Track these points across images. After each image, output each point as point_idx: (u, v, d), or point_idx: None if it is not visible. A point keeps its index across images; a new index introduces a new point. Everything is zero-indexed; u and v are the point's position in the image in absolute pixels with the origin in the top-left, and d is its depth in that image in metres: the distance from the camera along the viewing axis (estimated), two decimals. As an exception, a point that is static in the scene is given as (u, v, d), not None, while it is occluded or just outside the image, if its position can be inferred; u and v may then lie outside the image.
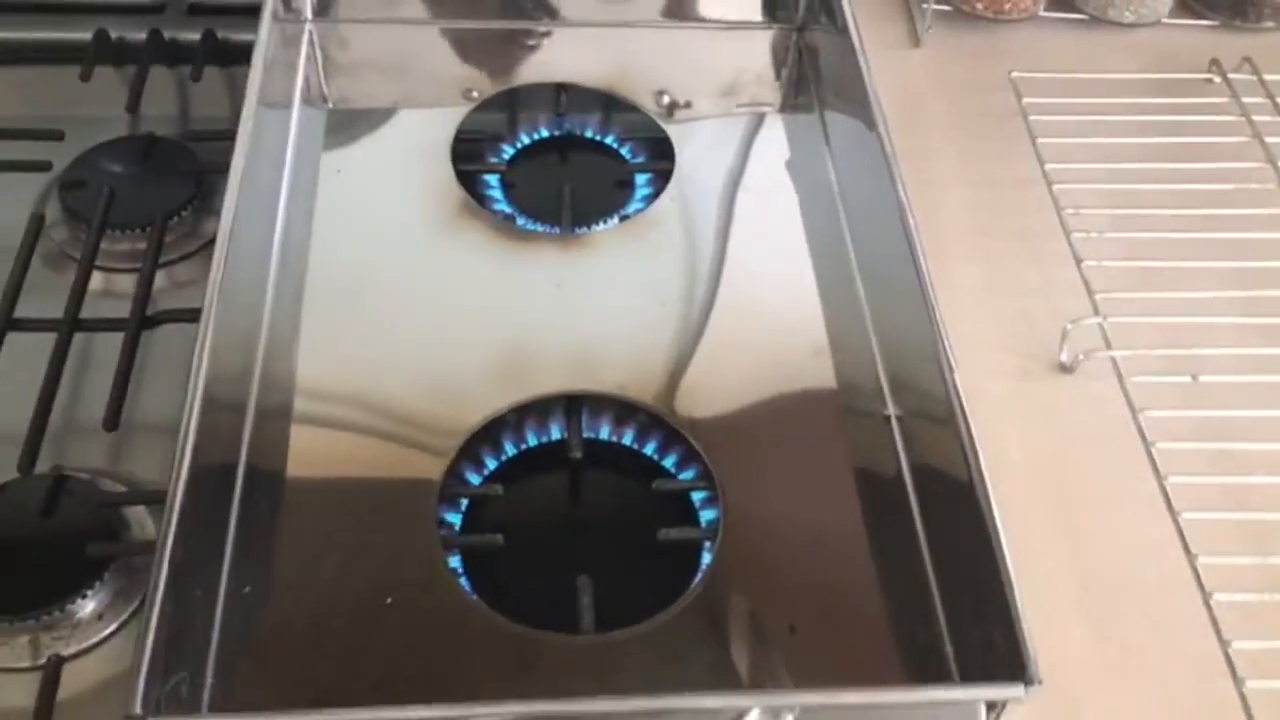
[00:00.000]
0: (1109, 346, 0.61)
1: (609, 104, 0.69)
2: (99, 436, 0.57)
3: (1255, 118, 0.72)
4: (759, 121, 0.70)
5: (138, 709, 0.39)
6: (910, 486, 0.53)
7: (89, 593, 0.51)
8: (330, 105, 0.70)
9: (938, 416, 0.51)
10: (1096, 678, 0.52)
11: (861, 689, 0.42)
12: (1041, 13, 0.80)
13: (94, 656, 0.50)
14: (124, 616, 0.51)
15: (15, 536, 0.52)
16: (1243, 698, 0.50)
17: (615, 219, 0.64)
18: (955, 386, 0.50)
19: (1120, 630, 0.53)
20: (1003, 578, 0.44)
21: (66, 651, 0.50)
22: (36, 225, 0.61)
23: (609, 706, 0.41)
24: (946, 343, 0.51)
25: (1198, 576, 0.53)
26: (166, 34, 0.72)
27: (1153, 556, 0.55)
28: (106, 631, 0.51)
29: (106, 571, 0.51)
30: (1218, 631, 0.52)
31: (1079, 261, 0.65)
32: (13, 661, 0.50)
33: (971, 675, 0.46)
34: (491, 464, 0.54)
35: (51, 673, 0.48)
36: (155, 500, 0.53)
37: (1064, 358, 0.62)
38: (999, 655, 0.44)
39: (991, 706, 0.44)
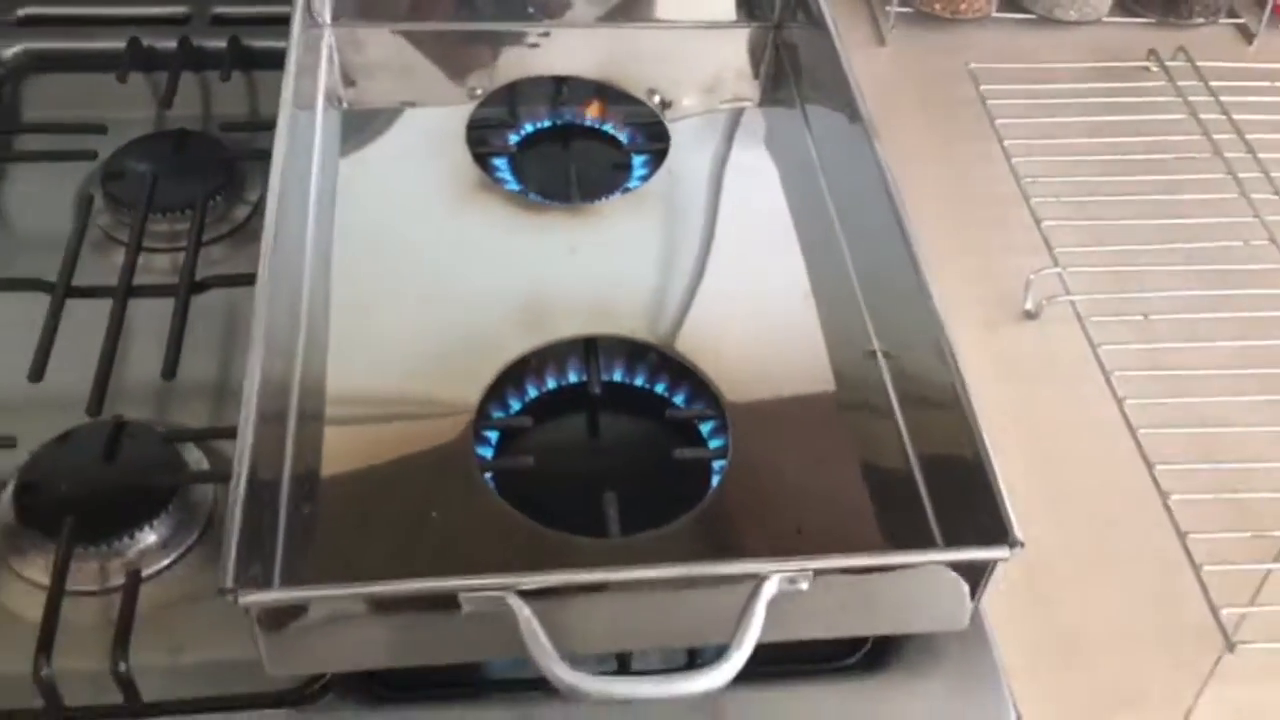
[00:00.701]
0: (1068, 293, 0.68)
1: (605, 94, 0.75)
2: (146, 393, 0.61)
3: (1190, 98, 0.80)
4: (743, 109, 0.77)
5: (230, 583, 0.44)
6: (895, 402, 0.58)
7: (155, 522, 0.56)
8: (348, 103, 0.76)
9: (919, 342, 0.57)
10: (1071, 574, 0.58)
11: (869, 554, 0.47)
12: (994, 13, 0.88)
13: (157, 582, 0.55)
14: (185, 546, 0.56)
15: (85, 474, 0.57)
16: (1200, 580, 0.56)
17: (618, 193, 0.70)
18: (935, 312, 0.56)
19: (1091, 532, 0.60)
20: (983, 461, 0.49)
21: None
22: (87, 203, 0.67)
23: (640, 575, 0.46)
24: (926, 276, 0.57)
25: (1156, 482, 0.59)
26: (194, 42, 0.78)
27: (1116, 468, 0.61)
28: (169, 560, 0.56)
29: (170, 503, 0.56)
30: (1176, 526, 0.58)
31: (1038, 222, 0.71)
32: (83, 584, 0.54)
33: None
34: (519, 400, 0.59)
35: (131, 585, 0.53)
36: (213, 436, 0.59)
37: (1029, 305, 0.69)
38: (983, 535, 0.49)
39: (976, 584, 0.49)
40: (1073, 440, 0.63)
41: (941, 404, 0.54)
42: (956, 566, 0.48)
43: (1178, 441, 0.61)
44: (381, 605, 0.47)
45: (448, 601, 0.46)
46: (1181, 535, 0.57)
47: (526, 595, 0.45)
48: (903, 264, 0.59)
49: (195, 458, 0.59)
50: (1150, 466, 0.60)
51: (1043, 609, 0.57)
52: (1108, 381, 0.63)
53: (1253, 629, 0.54)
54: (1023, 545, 0.47)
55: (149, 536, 0.56)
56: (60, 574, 0.53)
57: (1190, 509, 0.58)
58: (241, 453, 0.49)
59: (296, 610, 0.46)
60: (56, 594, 0.52)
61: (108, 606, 0.53)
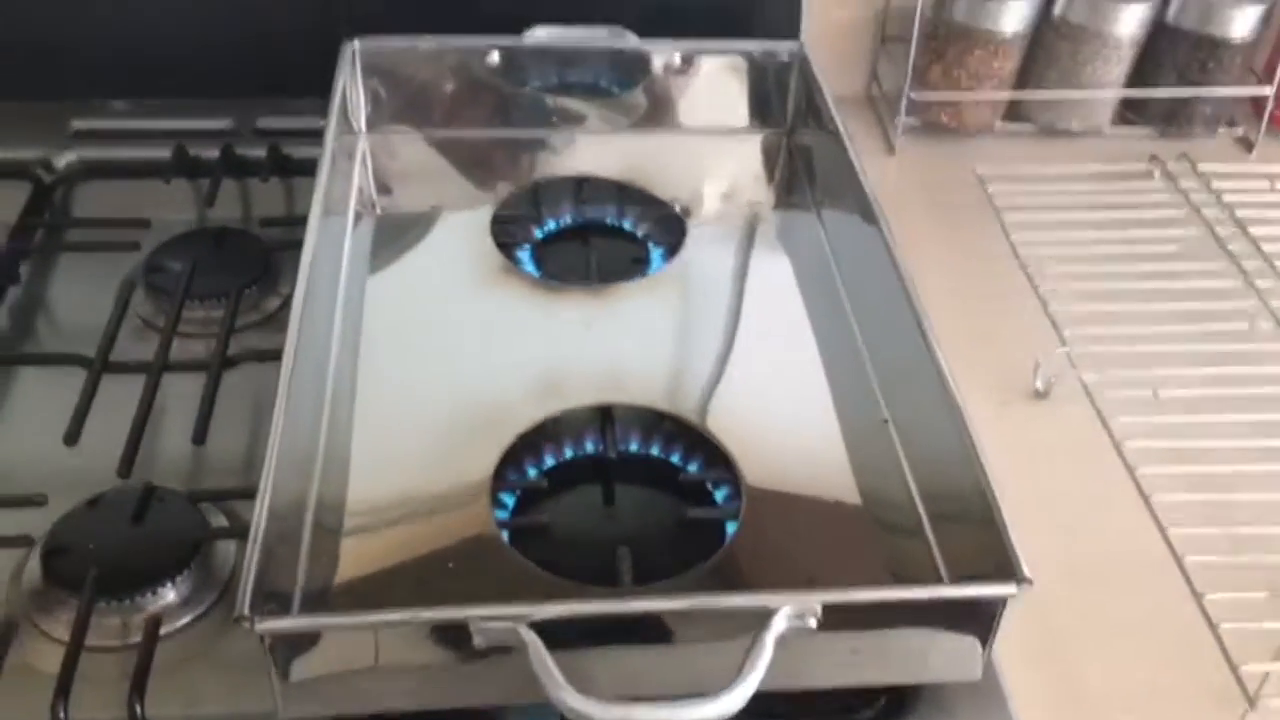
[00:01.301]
0: (1076, 370, 0.69)
1: (625, 191, 0.79)
2: (178, 465, 0.63)
3: (1192, 197, 0.83)
4: (758, 207, 0.80)
5: (246, 611, 0.45)
6: (905, 462, 0.60)
7: (177, 579, 0.57)
8: (379, 203, 0.79)
9: (927, 408, 0.58)
10: (1090, 637, 0.58)
11: (876, 588, 0.48)
12: (998, 124, 0.92)
13: (177, 639, 0.56)
14: (205, 605, 0.57)
15: (112, 534, 0.58)
16: (1219, 639, 0.55)
17: (636, 279, 0.73)
18: (944, 376, 0.57)
19: (1108, 595, 0.59)
20: (991, 507, 0.50)
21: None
22: (128, 288, 0.70)
23: (649, 606, 0.47)
24: (935, 347, 0.59)
25: (1170, 545, 0.59)
26: (236, 150, 0.83)
27: (1131, 534, 0.61)
28: (189, 617, 0.57)
29: (192, 562, 0.57)
30: (1192, 587, 0.57)
31: (1045, 305, 0.73)
32: (105, 640, 0.55)
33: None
34: (537, 463, 0.61)
35: (150, 631, 0.53)
36: (238, 496, 0.60)
37: (1039, 385, 0.70)
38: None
39: (988, 631, 0.49)
40: (1087, 509, 0.63)
41: (948, 459, 0.55)
42: (966, 606, 0.49)
43: (1191, 508, 0.61)
44: (395, 640, 0.47)
45: (460, 636, 0.46)
46: (1198, 595, 0.57)
47: (538, 631, 0.46)
48: (912, 339, 0.60)
49: (220, 521, 0.60)
50: (1164, 530, 0.60)
51: (1062, 669, 0.56)
52: (1119, 452, 0.64)
53: (1274, 686, 0.53)
54: (1030, 583, 0.47)
55: (169, 594, 0.57)
56: (82, 624, 0.54)
57: (1205, 571, 0.58)
58: (264, 494, 0.50)
59: (310, 641, 0.47)
60: (77, 642, 0.53)
61: (128, 662, 0.54)
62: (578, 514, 0.59)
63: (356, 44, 0.79)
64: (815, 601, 0.46)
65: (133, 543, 0.58)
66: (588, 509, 0.59)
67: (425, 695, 0.49)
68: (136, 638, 0.55)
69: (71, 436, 0.61)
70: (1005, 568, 0.48)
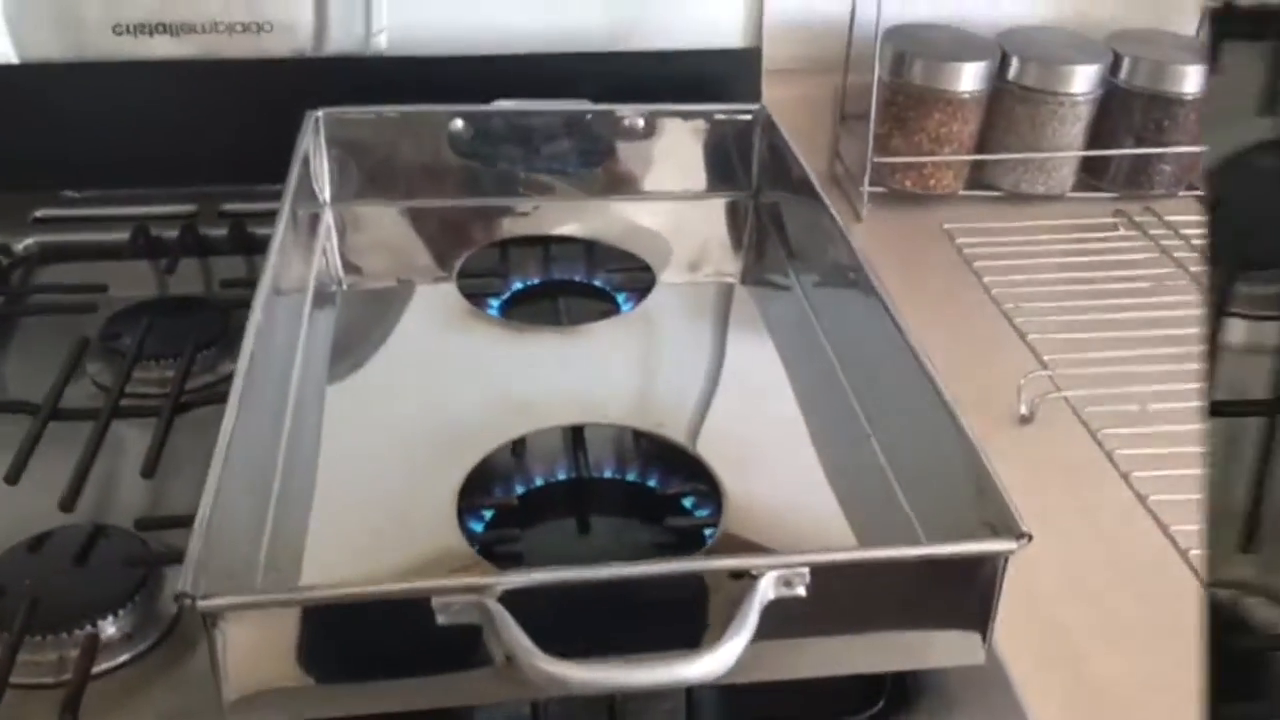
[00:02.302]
0: (1059, 391, 0.67)
1: (591, 249, 0.78)
2: (124, 509, 0.60)
3: (1161, 243, 0.83)
4: (728, 262, 0.80)
5: (189, 588, 0.41)
6: (886, 466, 0.57)
7: (120, 612, 0.53)
8: (343, 275, 0.78)
9: (905, 410, 0.56)
10: (1100, 637, 0.55)
11: (866, 549, 0.45)
12: (961, 190, 0.92)
13: (115, 677, 0.52)
14: (149, 642, 0.53)
15: (53, 570, 0.55)
16: (1235, 623, 0.52)
17: (605, 320, 0.71)
18: (929, 375, 0.55)
19: (1115, 596, 0.57)
20: (978, 458, 0.48)
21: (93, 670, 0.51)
22: (82, 345, 0.68)
23: (624, 572, 0.44)
24: (918, 348, 0.57)
25: (1172, 540, 0.57)
26: (199, 230, 0.82)
27: (1131, 535, 0.59)
28: (131, 654, 0.53)
29: (135, 596, 0.54)
30: (1199, 577, 0.54)
31: (1024, 336, 0.72)
32: (39, 677, 0.51)
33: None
34: (507, 482, 0.58)
35: (87, 649, 0.49)
36: (186, 523, 0.56)
37: (1024, 409, 0.68)
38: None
39: (988, 608, 0.46)
40: (1085, 516, 0.61)
41: (932, 455, 0.53)
42: (963, 570, 0.46)
43: (1189, 507, 0.58)
44: (352, 628, 0.44)
45: (422, 623, 0.43)
46: (1205, 585, 0.54)
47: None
48: (888, 337, 0.59)
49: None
50: (1165, 527, 0.57)
51: (1074, 668, 0.53)
52: (1110, 460, 0.62)
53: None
54: (1030, 537, 0.45)
55: (109, 628, 0.53)
56: (9, 655, 0.50)
57: (1214, 564, 0.55)
58: (214, 476, 0.47)
59: (260, 631, 0.43)
60: (2, 675, 0.49)
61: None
62: (552, 535, 0.56)
63: (320, 113, 0.79)
64: (801, 561, 0.43)
65: (73, 579, 0.55)
66: (561, 528, 0.57)
67: (385, 696, 0.45)
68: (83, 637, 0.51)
69: (13, 476, 0.58)
70: (1006, 527, 0.45)
